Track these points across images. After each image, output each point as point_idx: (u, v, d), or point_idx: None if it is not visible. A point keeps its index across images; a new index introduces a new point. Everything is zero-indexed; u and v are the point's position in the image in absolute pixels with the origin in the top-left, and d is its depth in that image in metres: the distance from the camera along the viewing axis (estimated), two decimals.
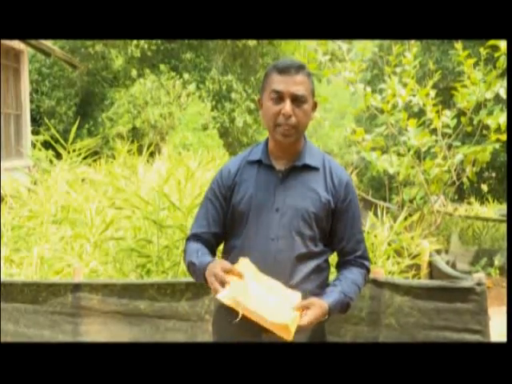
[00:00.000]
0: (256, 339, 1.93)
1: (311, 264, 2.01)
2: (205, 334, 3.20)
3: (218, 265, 1.89)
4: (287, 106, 1.94)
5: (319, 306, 1.88)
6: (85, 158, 6.04)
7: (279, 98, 1.95)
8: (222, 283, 1.83)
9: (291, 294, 1.91)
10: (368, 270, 2.11)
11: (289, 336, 1.80)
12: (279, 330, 1.80)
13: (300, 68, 1.97)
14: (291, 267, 1.98)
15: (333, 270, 2.15)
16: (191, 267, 2.03)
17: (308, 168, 2.05)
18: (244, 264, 1.91)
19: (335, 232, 2.06)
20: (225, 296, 1.82)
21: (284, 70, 1.96)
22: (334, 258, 2.15)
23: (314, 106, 2.05)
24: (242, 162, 2.11)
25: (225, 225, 2.10)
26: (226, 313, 1.94)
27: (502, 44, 4.73)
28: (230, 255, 2.07)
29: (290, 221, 1.99)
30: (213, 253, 2.12)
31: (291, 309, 1.84)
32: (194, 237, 2.11)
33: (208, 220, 2.10)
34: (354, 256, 2.08)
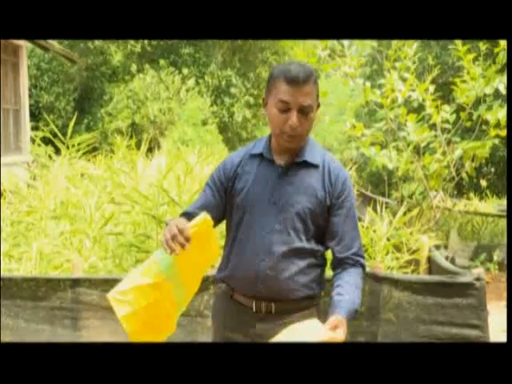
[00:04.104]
0: (250, 326, 2.04)
1: (306, 259, 2.03)
2: (204, 329, 3.20)
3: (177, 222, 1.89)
4: (294, 117, 1.94)
5: (342, 324, 1.87)
6: (84, 154, 6.04)
7: (286, 108, 1.95)
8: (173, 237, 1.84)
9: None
10: (363, 268, 2.09)
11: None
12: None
13: (308, 78, 1.94)
14: (286, 261, 2.00)
15: (328, 266, 2.15)
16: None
17: (307, 165, 2.06)
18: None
19: (329, 227, 2.06)
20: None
21: (292, 81, 1.93)
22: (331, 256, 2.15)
23: (318, 106, 2.06)
24: (245, 154, 2.14)
25: (222, 212, 2.13)
26: (223, 297, 2.13)
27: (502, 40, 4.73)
28: (230, 246, 2.11)
29: (285, 215, 2.01)
30: None
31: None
32: (184, 214, 2.13)
33: (202, 203, 2.13)
34: (349, 253, 2.05)
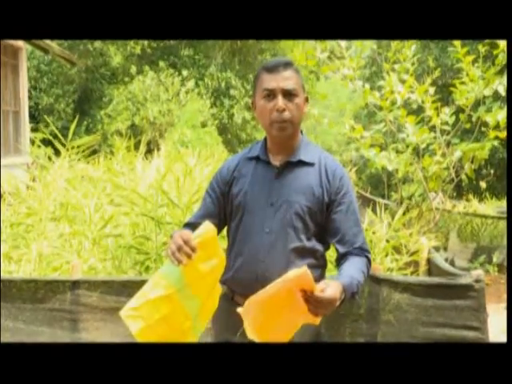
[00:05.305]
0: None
1: (306, 259, 2.02)
2: (204, 329, 3.19)
3: (180, 233, 1.92)
4: (279, 101, 2.00)
5: (335, 284, 1.81)
6: (83, 155, 6.03)
7: (271, 95, 2.01)
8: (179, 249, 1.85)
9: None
10: (369, 260, 2.06)
11: (311, 285, 1.74)
12: (300, 281, 1.75)
13: (288, 64, 2.04)
14: (286, 260, 2.00)
15: (331, 267, 2.14)
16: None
17: (303, 163, 2.07)
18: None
19: (331, 225, 2.05)
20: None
21: (273, 69, 2.02)
22: (332, 255, 2.14)
23: (306, 100, 2.09)
24: (242, 158, 2.17)
25: (223, 218, 2.16)
26: (223, 299, 2.12)
27: (501, 41, 4.73)
28: (230, 249, 2.13)
29: (283, 215, 2.02)
30: None
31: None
32: (187, 225, 2.18)
33: (203, 211, 2.18)
34: (352, 248, 2.03)
